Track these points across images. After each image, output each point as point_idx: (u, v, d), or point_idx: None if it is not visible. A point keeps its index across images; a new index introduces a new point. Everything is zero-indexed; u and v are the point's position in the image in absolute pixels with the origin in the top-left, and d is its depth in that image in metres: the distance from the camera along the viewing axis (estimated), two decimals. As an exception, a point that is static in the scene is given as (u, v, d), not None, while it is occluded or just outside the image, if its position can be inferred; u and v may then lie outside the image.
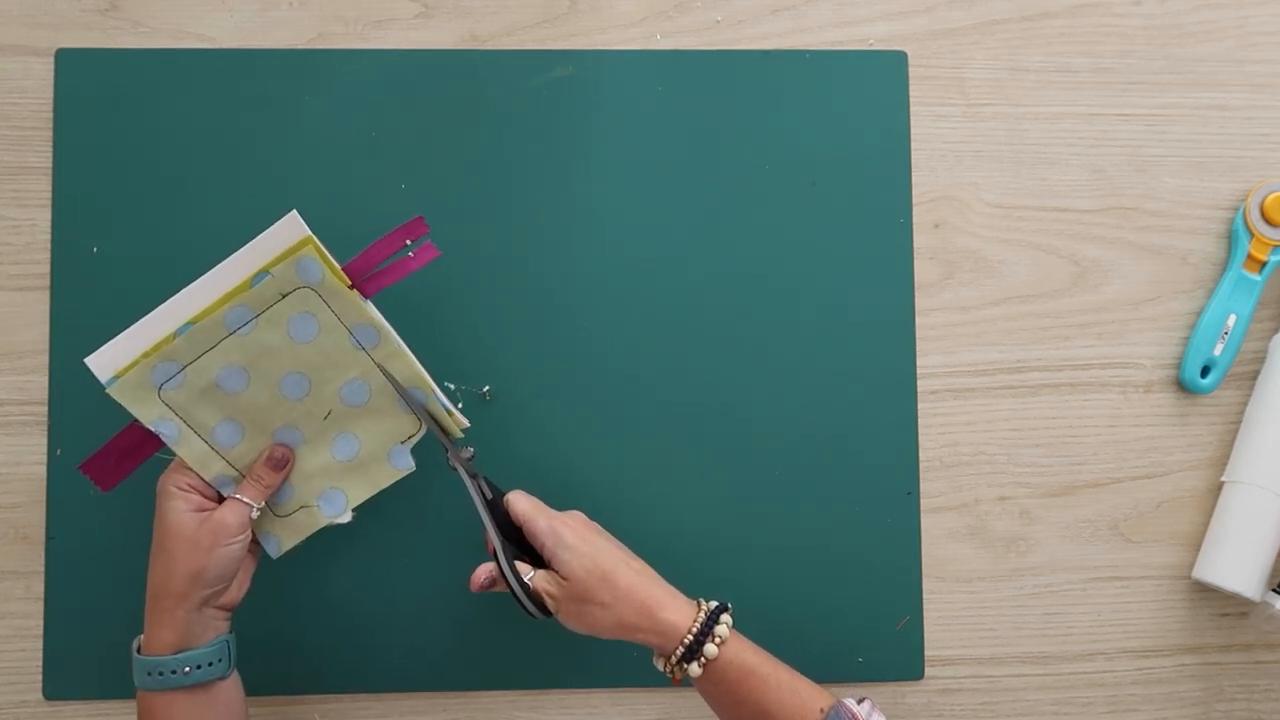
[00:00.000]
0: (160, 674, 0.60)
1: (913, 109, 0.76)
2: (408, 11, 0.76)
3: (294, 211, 0.62)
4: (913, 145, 0.76)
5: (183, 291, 0.62)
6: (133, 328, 0.61)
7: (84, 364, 0.60)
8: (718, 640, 0.62)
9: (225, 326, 0.62)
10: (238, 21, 0.75)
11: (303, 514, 0.66)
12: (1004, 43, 0.77)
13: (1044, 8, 0.78)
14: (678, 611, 0.62)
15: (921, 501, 0.75)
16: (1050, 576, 0.76)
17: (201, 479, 0.63)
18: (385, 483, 0.66)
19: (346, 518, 0.66)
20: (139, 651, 0.61)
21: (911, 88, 0.77)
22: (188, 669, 0.60)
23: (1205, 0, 0.78)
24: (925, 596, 0.75)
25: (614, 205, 0.75)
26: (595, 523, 0.68)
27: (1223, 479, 0.75)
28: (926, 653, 0.75)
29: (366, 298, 0.64)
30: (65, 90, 0.74)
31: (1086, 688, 0.75)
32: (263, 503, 0.63)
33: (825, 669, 0.74)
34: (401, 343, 0.65)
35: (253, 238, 0.61)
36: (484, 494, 0.65)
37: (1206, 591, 0.76)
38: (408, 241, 0.64)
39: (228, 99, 0.74)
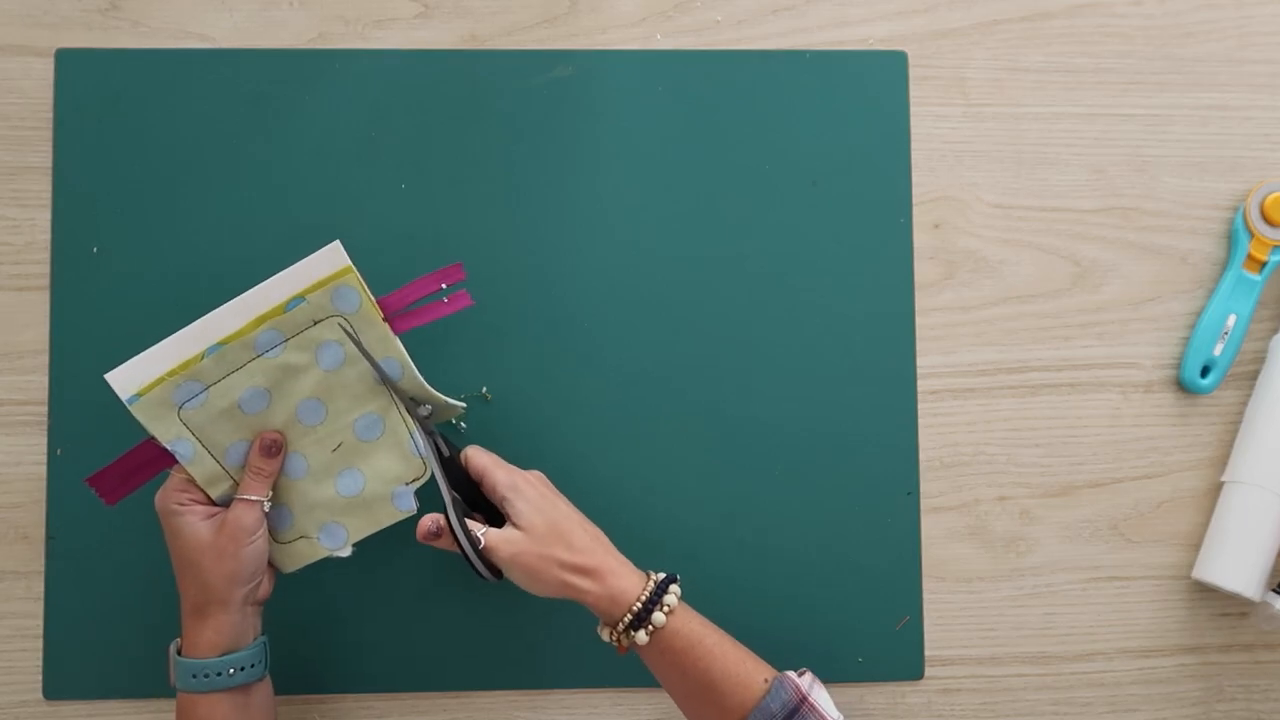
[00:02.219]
0: (206, 676, 0.61)
1: (913, 109, 0.76)
2: (408, 11, 0.76)
3: (337, 241, 0.62)
4: (913, 145, 0.76)
5: (214, 313, 0.62)
6: (157, 346, 0.61)
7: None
8: (666, 609, 0.62)
9: (254, 349, 0.62)
10: (238, 21, 0.75)
11: (303, 544, 0.66)
12: (1004, 43, 0.77)
13: (1044, 8, 0.78)
14: (628, 579, 0.63)
15: (921, 501, 0.75)
16: (1050, 576, 0.76)
17: (194, 486, 0.63)
18: (387, 522, 0.66)
19: (346, 552, 0.66)
20: (179, 654, 0.62)
21: (911, 88, 0.77)
22: (232, 671, 0.61)
23: (1205, 0, 0.78)
24: (925, 596, 0.75)
25: (613, 205, 0.75)
26: (551, 484, 0.68)
27: (1223, 479, 0.75)
28: (926, 653, 0.75)
29: (396, 334, 0.64)
30: (65, 90, 0.74)
31: (1086, 688, 0.75)
32: (269, 492, 0.63)
33: (825, 669, 0.73)
34: (423, 380, 0.65)
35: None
36: (440, 451, 0.65)
37: (1206, 591, 0.76)
38: (443, 285, 0.65)
39: (228, 99, 0.74)
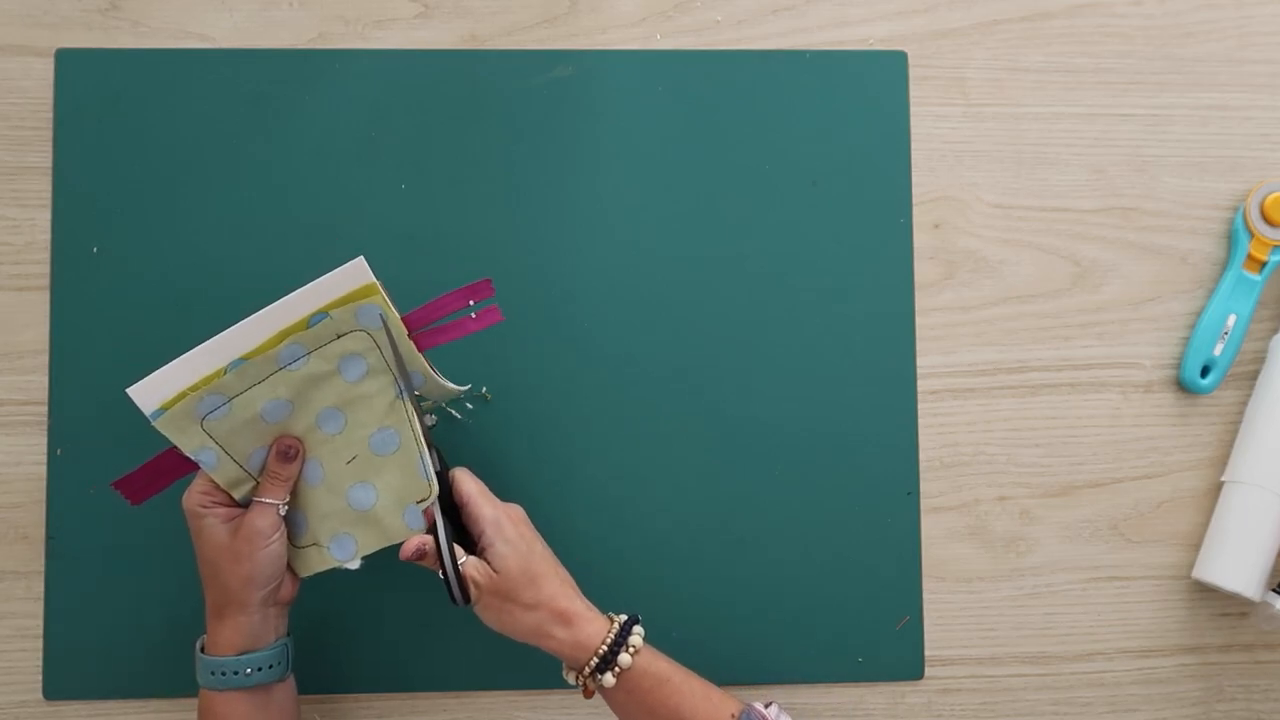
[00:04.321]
0: (224, 674, 0.61)
1: (913, 109, 0.77)
2: (408, 11, 0.76)
3: (361, 258, 0.61)
4: (913, 145, 0.76)
5: (236, 327, 0.61)
6: (177, 361, 0.60)
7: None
8: (631, 650, 0.62)
9: (277, 362, 0.62)
10: (238, 21, 0.75)
11: (314, 551, 0.65)
12: (1004, 43, 0.77)
13: (1044, 8, 0.78)
14: (594, 624, 0.63)
15: (921, 501, 0.75)
16: (1050, 576, 0.76)
17: (218, 489, 0.63)
18: (398, 538, 0.65)
19: (355, 564, 0.65)
20: (203, 651, 0.63)
21: (911, 88, 0.77)
22: (249, 670, 0.62)
23: (1205, 0, 0.78)
24: (925, 596, 0.75)
25: (614, 205, 0.75)
26: (530, 522, 0.67)
27: (1223, 479, 0.75)
28: (926, 653, 0.75)
29: (421, 351, 0.64)
30: (65, 90, 0.74)
31: (1086, 688, 0.75)
32: (286, 496, 0.63)
33: (825, 669, 0.74)
34: (443, 380, 0.65)
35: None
36: (434, 466, 0.65)
37: (1206, 591, 0.76)
38: (471, 301, 0.64)
39: (228, 99, 0.74)
